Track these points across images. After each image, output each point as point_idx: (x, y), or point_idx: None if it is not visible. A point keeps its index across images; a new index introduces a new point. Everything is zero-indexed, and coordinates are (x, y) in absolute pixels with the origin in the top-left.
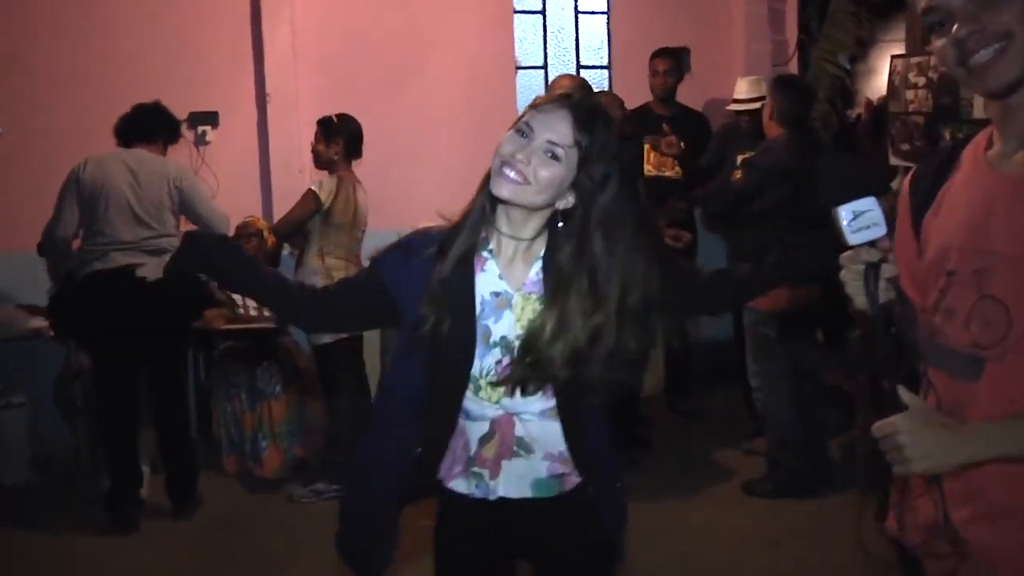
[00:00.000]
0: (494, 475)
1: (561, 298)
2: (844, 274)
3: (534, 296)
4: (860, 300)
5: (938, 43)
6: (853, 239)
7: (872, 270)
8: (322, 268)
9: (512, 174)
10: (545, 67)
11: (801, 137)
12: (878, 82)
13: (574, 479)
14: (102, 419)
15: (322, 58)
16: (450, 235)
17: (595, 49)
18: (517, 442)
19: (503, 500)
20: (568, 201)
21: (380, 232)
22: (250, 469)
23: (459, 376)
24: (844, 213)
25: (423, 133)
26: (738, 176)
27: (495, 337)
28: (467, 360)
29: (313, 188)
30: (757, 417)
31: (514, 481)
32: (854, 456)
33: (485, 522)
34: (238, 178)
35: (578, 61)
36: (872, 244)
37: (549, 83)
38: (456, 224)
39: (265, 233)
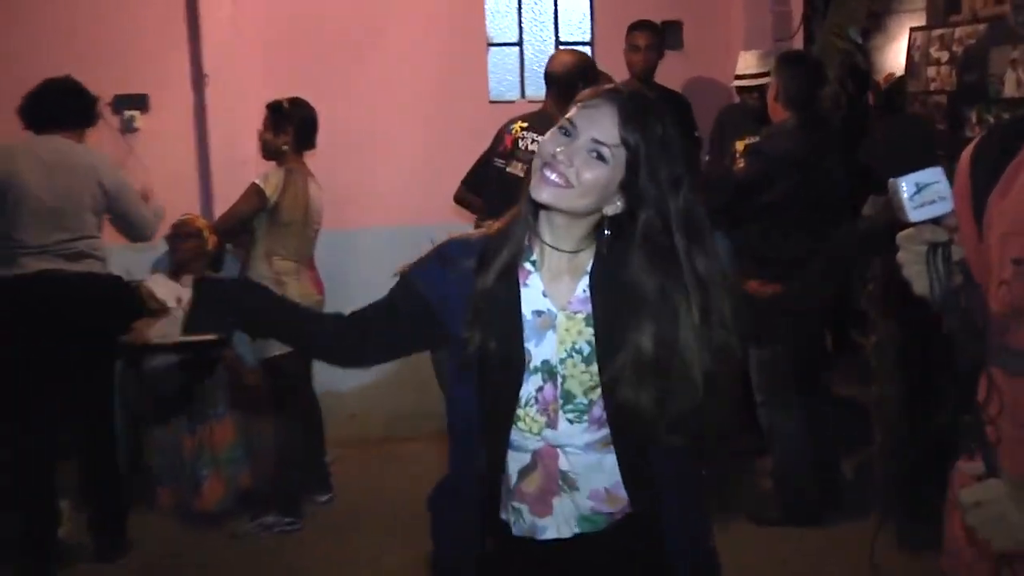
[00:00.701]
0: (541, 512)
1: (620, 319)
2: (902, 256)
3: (580, 316)
4: (921, 285)
5: None
6: (915, 215)
7: (937, 251)
8: (270, 272)
9: (553, 176)
10: (520, 44)
11: (810, 121)
12: (894, 58)
13: (625, 510)
14: (13, 447)
15: (268, 33)
16: (491, 244)
17: (576, 24)
18: (561, 477)
19: (556, 541)
20: (617, 206)
21: (335, 231)
22: (188, 503)
23: (508, 402)
24: (905, 185)
25: (384, 119)
26: (741, 165)
27: (536, 362)
28: (516, 384)
29: (258, 182)
30: (762, 433)
31: (562, 520)
32: (870, 477)
33: (522, 560)
34: (172, 171)
35: (557, 37)
36: (936, 222)
37: (548, 61)
38: (497, 232)
39: (205, 233)
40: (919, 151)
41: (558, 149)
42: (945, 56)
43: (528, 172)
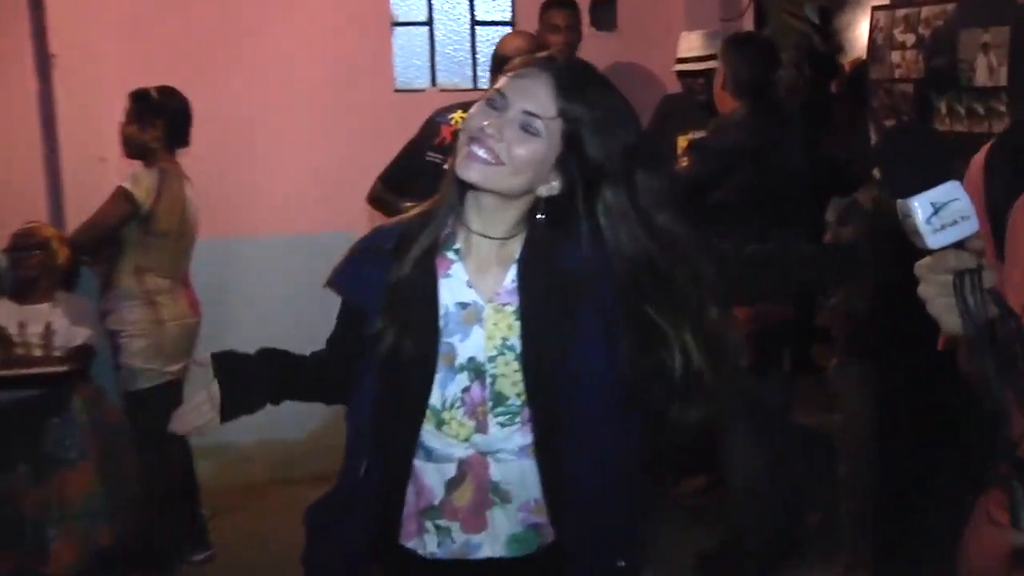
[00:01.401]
0: (475, 528)
1: (547, 311)
2: (925, 289)
3: (509, 309)
4: (951, 321)
5: None
6: (934, 240)
7: (965, 279)
8: (140, 291)
9: (481, 152)
10: (430, 23)
11: (763, 110)
12: (858, 40)
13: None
14: None
15: (131, 6)
16: (410, 229)
17: (494, 1)
18: (492, 488)
19: (487, 561)
20: (553, 187)
21: (211, 242)
22: (31, 567)
23: (414, 407)
24: (919, 207)
25: (269, 110)
26: (685, 163)
27: (461, 359)
28: (426, 384)
29: (126, 185)
30: (717, 464)
31: (495, 537)
32: (835, 517)
33: None
34: (11, 169)
35: (473, 16)
36: (959, 245)
37: (497, 45)
38: (416, 216)
39: (54, 245)
40: (929, 162)
41: (486, 122)
42: (911, 39)
43: None
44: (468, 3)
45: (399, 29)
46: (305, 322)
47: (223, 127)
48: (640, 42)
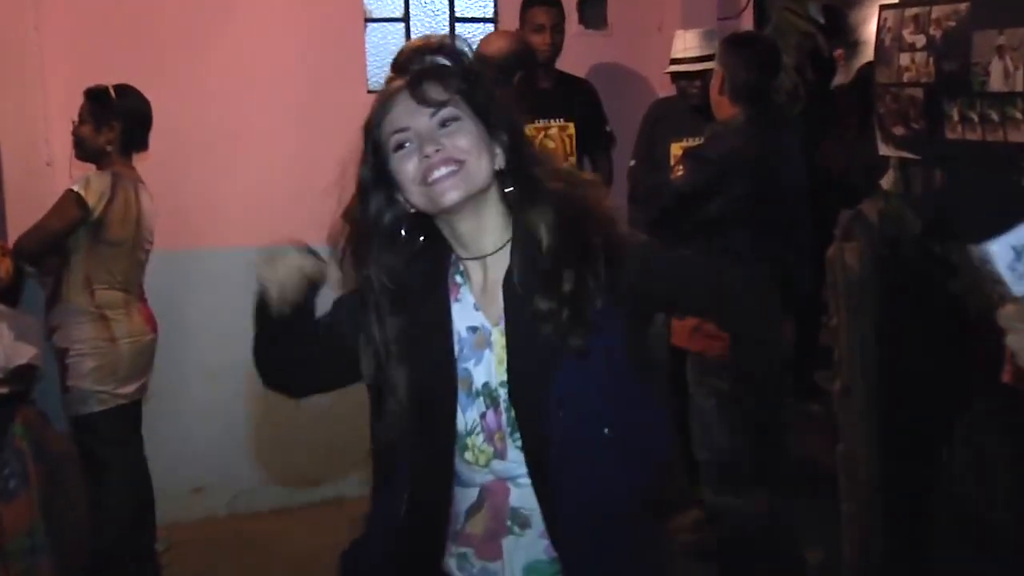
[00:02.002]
0: (491, 556)
1: (531, 331)
2: (1014, 340)
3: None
4: None
5: None
6: (1020, 287)
7: None
8: (90, 306)
9: (442, 171)
10: (407, 19)
11: (762, 116)
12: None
13: None
14: None
15: (83, 2)
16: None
17: None
18: (511, 514)
19: None
20: (499, 156)
21: (169, 254)
22: None
23: (444, 433)
24: (999, 252)
25: (233, 112)
26: (680, 172)
27: (477, 384)
28: (451, 412)
29: (76, 189)
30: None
31: (511, 566)
32: (837, 561)
33: None
34: None
35: (452, 12)
36: None
37: (479, 45)
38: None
39: None
40: (1003, 201)
41: (423, 155)
42: (921, 40)
43: None
44: None
45: (373, 25)
46: None
47: (184, 130)
48: (631, 41)
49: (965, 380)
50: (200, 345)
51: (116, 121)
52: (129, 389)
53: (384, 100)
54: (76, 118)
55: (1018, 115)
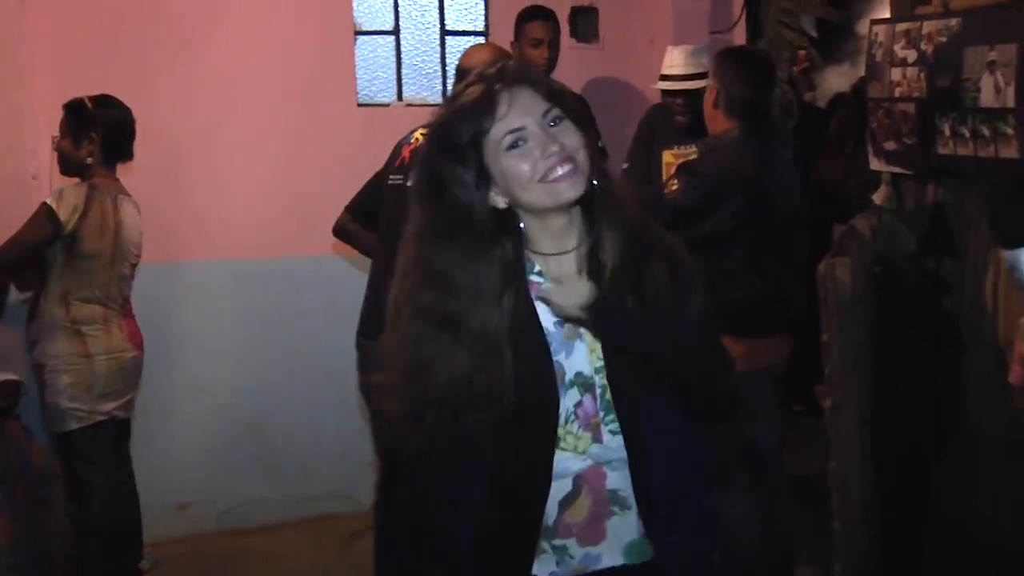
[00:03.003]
0: (594, 540)
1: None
2: None
3: None
4: None
5: None
6: None
7: None
8: (66, 320)
9: (565, 168)
10: (396, 32)
11: (757, 131)
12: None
13: None
14: None
15: (67, 13)
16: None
17: (466, 9)
18: (611, 497)
19: (608, 571)
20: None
21: (160, 266)
22: None
23: (546, 433)
24: None
25: (221, 125)
26: (675, 187)
27: (569, 375)
28: (553, 409)
29: (49, 202)
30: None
31: (615, 546)
32: None
33: None
34: None
35: (443, 25)
36: None
37: (461, 57)
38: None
39: None
40: None
41: (536, 152)
42: (912, 55)
43: None
44: (438, 11)
45: (363, 38)
46: (254, 356)
47: (170, 142)
48: (623, 55)
49: (958, 397)
50: (187, 359)
51: (95, 132)
52: (108, 406)
53: (485, 102)
54: (57, 132)
55: (1009, 131)
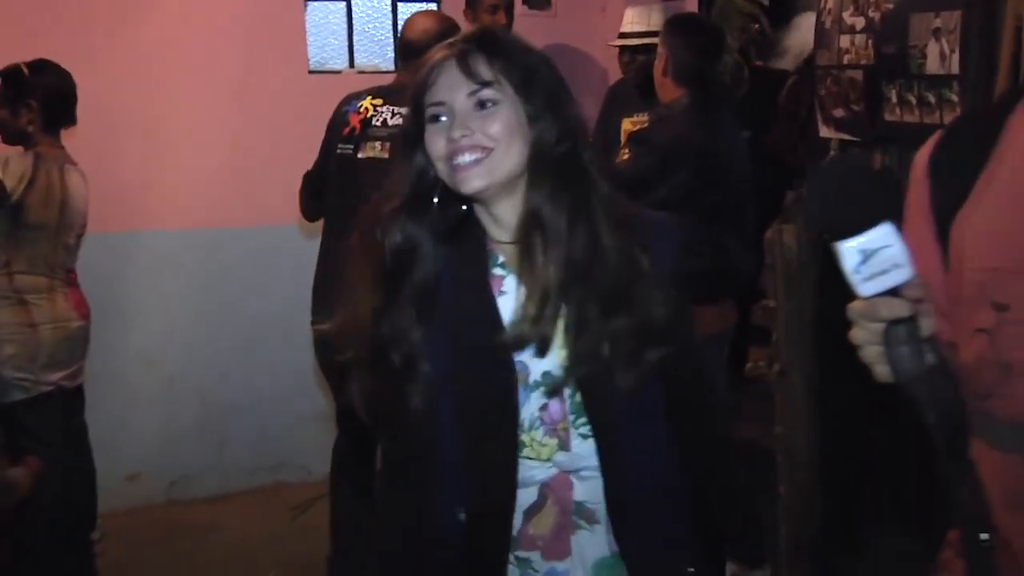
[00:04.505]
0: (559, 555)
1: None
2: (857, 333)
3: None
4: (882, 371)
5: None
6: (865, 289)
7: (900, 329)
8: (8, 289)
9: (467, 157)
10: None
11: (706, 100)
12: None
13: None
14: None
15: None
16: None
17: None
18: (576, 509)
19: None
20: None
21: (107, 236)
22: None
23: (507, 435)
24: (847, 255)
25: (167, 92)
26: (626, 156)
27: (535, 376)
28: (512, 413)
29: None
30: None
31: (580, 563)
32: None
33: None
34: None
35: None
36: (894, 292)
37: (404, 27)
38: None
39: None
40: (861, 202)
41: (452, 135)
42: (860, 22)
43: (392, 150)
44: None
45: (313, 4)
46: (203, 326)
47: (116, 110)
48: (575, 21)
49: None
50: (136, 330)
51: (33, 100)
52: (54, 376)
53: (431, 68)
54: None
55: (954, 97)
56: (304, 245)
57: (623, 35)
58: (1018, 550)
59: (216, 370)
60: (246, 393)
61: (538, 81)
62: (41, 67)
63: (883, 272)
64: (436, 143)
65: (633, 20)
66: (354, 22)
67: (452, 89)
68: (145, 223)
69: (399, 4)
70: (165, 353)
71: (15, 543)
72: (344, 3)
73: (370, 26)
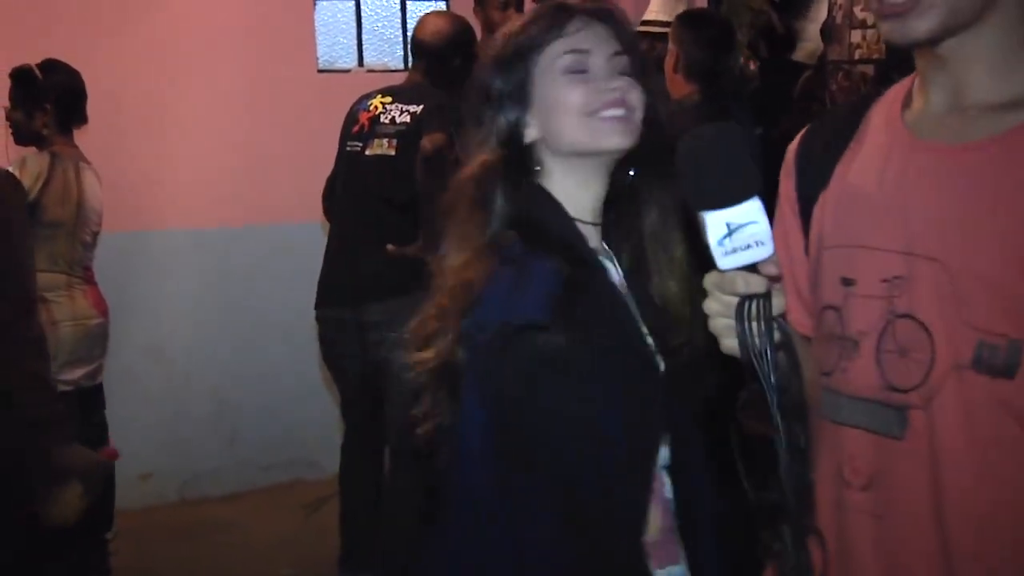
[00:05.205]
0: (671, 559)
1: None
2: (710, 305)
3: None
4: (730, 343)
5: None
6: (725, 263)
7: (752, 305)
8: None
9: (619, 111)
10: None
11: (716, 96)
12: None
13: None
14: None
15: None
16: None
17: None
18: (672, 507)
19: None
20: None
21: (117, 235)
22: None
23: (649, 423)
24: (711, 225)
25: (178, 92)
26: None
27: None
28: (656, 391)
29: (11, 170)
30: None
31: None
32: None
33: None
34: None
35: None
36: (752, 268)
37: (416, 27)
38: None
39: None
40: (731, 175)
41: (609, 87)
42: (871, 17)
43: (399, 147)
44: None
45: (322, 3)
46: (215, 325)
47: (126, 110)
48: None
49: None
50: (148, 329)
51: (47, 102)
52: (74, 375)
53: (557, 15)
54: (7, 103)
55: None
56: (314, 242)
57: (645, 23)
58: (848, 535)
59: (227, 368)
60: (258, 391)
61: (647, 67)
62: (52, 68)
63: (746, 247)
64: (573, 92)
65: (657, 10)
66: (363, 21)
67: (598, 44)
68: (154, 223)
69: (408, 2)
70: (176, 352)
71: (35, 540)
72: (353, 2)
73: (379, 25)
